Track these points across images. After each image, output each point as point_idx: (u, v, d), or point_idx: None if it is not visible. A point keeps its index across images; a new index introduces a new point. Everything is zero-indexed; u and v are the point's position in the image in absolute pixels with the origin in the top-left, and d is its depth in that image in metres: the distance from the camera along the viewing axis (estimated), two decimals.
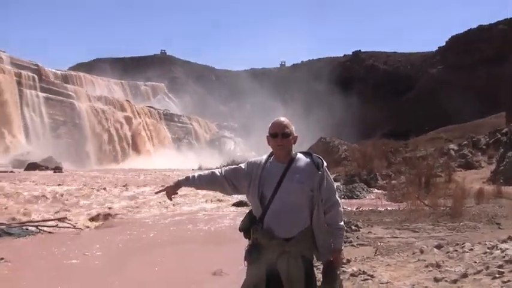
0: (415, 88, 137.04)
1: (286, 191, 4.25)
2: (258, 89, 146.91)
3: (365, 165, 37.98)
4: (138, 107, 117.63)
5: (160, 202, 26.21)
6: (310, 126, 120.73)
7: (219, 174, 4.61)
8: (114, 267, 11.51)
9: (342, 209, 4.36)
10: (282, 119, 4.55)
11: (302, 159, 4.40)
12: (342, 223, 4.34)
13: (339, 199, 4.37)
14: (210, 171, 4.70)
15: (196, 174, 4.65)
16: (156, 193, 4.90)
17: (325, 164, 4.35)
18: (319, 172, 4.29)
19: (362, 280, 6.95)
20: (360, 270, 7.49)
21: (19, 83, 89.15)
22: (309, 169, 4.32)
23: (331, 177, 4.41)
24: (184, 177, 4.68)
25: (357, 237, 12.68)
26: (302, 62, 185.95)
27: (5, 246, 13.95)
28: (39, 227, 17.56)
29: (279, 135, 4.44)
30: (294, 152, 4.43)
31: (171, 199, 4.74)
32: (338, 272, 4.44)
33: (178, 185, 4.62)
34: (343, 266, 8.14)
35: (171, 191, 4.60)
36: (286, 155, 4.43)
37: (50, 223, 18.61)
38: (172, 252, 13.04)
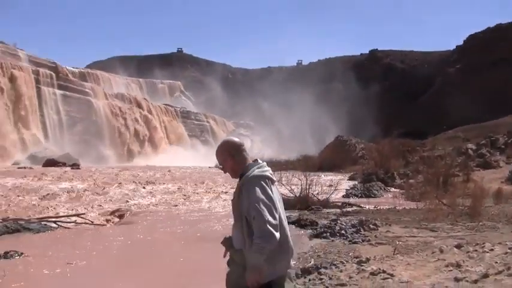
0: (432, 87, 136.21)
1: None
2: (274, 87, 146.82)
3: (382, 164, 37.89)
4: (155, 104, 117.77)
5: (177, 199, 26.29)
6: (326, 125, 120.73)
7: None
8: (132, 262, 11.57)
9: (262, 225, 3.92)
10: (217, 148, 4.41)
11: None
12: (259, 240, 3.92)
13: (259, 213, 3.95)
14: None
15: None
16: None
17: (253, 174, 4.12)
18: (240, 184, 4.17)
19: (382, 279, 6.92)
20: (379, 269, 7.46)
21: (37, 81, 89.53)
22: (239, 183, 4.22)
23: (260, 189, 4.03)
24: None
25: (375, 236, 12.67)
26: (319, 60, 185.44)
27: (24, 241, 14.05)
28: (58, 223, 17.66)
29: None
30: (250, 165, 4.27)
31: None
32: None
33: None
34: (363, 264, 8.12)
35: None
36: (234, 175, 4.34)
37: (68, 219, 18.71)
38: (188, 249, 13.07)
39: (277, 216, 3.97)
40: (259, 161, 4.28)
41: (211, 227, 17.25)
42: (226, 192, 29.46)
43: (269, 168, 4.23)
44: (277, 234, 3.92)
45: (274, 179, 4.25)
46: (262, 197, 3.98)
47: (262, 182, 4.05)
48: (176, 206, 24.01)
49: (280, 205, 4.14)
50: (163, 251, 12.92)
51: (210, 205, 24.50)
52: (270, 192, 4.03)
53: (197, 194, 29.36)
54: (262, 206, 3.94)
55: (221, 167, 4.40)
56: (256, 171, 4.11)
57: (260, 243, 3.91)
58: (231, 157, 4.27)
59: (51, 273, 10.29)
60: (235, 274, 4.16)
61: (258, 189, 4.00)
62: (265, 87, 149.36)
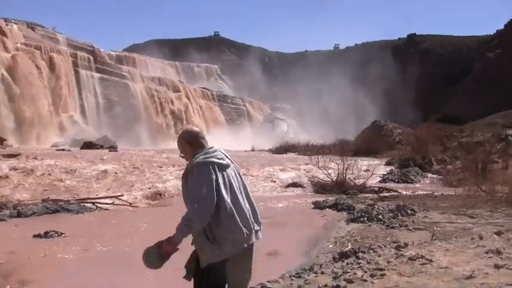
0: (471, 72, 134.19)
1: None
2: (311, 71, 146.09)
3: (419, 150, 37.50)
4: (192, 88, 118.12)
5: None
6: (363, 109, 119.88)
7: None
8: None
9: (191, 206, 4.36)
10: (177, 137, 4.86)
11: None
12: (187, 217, 4.39)
13: (193, 195, 4.36)
14: None
15: None
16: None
17: (197, 161, 4.47)
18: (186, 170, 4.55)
19: (420, 264, 6.85)
20: (418, 254, 7.39)
21: (75, 64, 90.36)
22: None
23: (199, 174, 4.41)
24: None
25: (412, 222, 12.58)
26: (356, 44, 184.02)
27: (63, 221, 14.25)
28: (96, 204, 17.89)
29: None
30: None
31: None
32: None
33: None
34: (401, 249, 8.05)
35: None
36: (191, 162, 4.62)
37: (106, 200, 18.93)
38: None
39: (212, 199, 4.28)
40: (215, 147, 4.65)
41: None
42: (261, 176, 29.51)
43: (220, 154, 4.62)
44: (205, 216, 4.29)
45: (226, 163, 4.61)
46: (201, 180, 4.33)
47: (204, 167, 4.39)
48: None
49: (234, 189, 4.54)
50: None
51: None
52: (211, 176, 4.37)
53: None
54: (197, 188, 4.31)
55: (182, 155, 4.78)
56: (200, 158, 4.47)
57: (186, 220, 4.37)
58: (189, 145, 4.67)
59: (90, 253, 10.42)
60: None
61: (197, 174, 4.37)
62: (302, 71, 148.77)
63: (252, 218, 4.67)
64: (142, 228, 13.53)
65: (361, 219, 13.37)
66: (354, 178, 22.38)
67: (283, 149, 63.31)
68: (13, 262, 10.04)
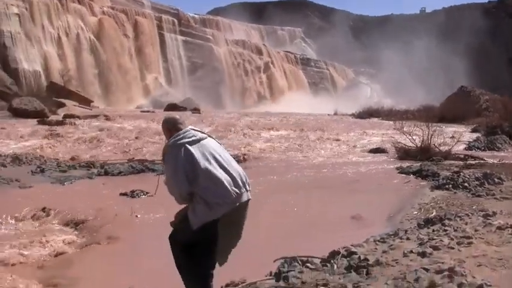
0: None
1: None
2: (395, 35, 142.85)
3: (507, 117, 36.29)
4: (275, 51, 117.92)
5: (294, 146, 26.38)
6: (449, 74, 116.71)
7: None
8: (252, 208, 11.72)
9: (169, 188, 5.01)
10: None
11: None
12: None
13: (167, 182, 4.99)
14: None
15: None
16: None
17: (168, 144, 5.05)
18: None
19: (510, 234, 6.64)
20: (507, 223, 7.16)
21: (159, 27, 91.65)
22: None
23: (169, 155, 4.98)
24: None
25: (500, 191, 12.21)
26: (443, 8, 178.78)
27: (149, 181, 14.53)
28: None
29: None
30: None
31: None
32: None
33: None
34: (489, 217, 7.83)
35: None
36: None
37: None
38: (309, 195, 13.08)
39: (180, 177, 4.82)
40: (187, 128, 5.12)
41: (324, 173, 17.21)
42: (343, 141, 29.33)
43: (191, 132, 5.08)
44: (177, 196, 5.01)
45: (199, 137, 5.06)
46: (170, 162, 4.94)
47: (175, 149, 4.91)
48: (293, 152, 24.12)
49: (216, 156, 5.00)
50: (283, 195, 12.99)
51: (327, 152, 24.48)
52: (179, 157, 4.87)
53: (315, 141, 29.32)
54: (169, 171, 4.95)
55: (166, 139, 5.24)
56: (171, 141, 5.01)
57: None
58: (169, 130, 5.18)
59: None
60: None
61: (167, 156, 4.98)
62: (387, 35, 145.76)
63: (239, 180, 5.05)
64: None
65: (446, 186, 13.07)
66: (439, 145, 21.89)
67: (367, 113, 62.58)
68: (101, 219, 10.38)
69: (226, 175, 4.92)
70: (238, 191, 4.97)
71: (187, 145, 4.90)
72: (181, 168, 4.81)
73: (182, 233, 5.03)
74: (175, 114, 5.54)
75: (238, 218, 5.16)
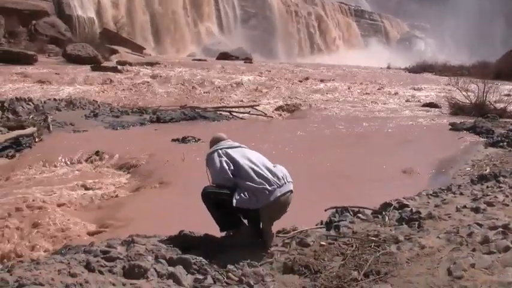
0: None
1: None
2: None
3: None
4: (329, 1, 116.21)
5: (347, 98, 26.14)
6: (507, 30, 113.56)
7: None
8: (304, 155, 11.66)
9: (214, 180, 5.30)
10: None
11: None
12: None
13: (213, 178, 5.31)
14: None
15: None
16: None
17: (208, 152, 5.46)
18: None
19: None
20: None
21: None
22: None
23: (208, 161, 5.40)
24: None
25: None
26: None
27: (200, 128, 14.62)
28: (232, 113, 18.17)
29: None
30: None
31: None
32: None
33: None
34: None
35: None
36: None
37: (242, 109, 19.18)
38: (361, 147, 12.96)
39: (224, 170, 5.20)
40: (221, 142, 5.55)
41: (377, 126, 17.01)
42: (396, 94, 28.99)
43: (225, 143, 5.54)
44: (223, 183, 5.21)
45: (235, 145, 5.55)
46: (212, 162, 5.33)
47: (214, 153, 5.36)
48: (347, 104, 23.92)
49: (251, 157, 5.38)
50: (333, 146, 12.89)
51: (380, 106, 24.23)
52: (218, 159, 5.30)
53: (369, 94, 29.03)
54: (211, 168, 5.35)
55: None
56: (212, 149, 5.47)
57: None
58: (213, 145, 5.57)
59: None
60: None
61: (209, 158, 5.37)
62: None
63: (279, 173, 5.27)
64: (276, 137, 13.64)
65: (501, 144, 12.78)
66: (494, 102, 21.42)
67: (420, 68, 61.35)
68: (153, 163, 10.46)
69: (266, 170, 5.23)
70: (279, 183, 5.17)
71: (226, 149, 5.41)
72: (224, 163, 5.22)
73: (221, 197, 5.22)
74: (223, 134, 5.85)
75: (280, 207, 5.24)
